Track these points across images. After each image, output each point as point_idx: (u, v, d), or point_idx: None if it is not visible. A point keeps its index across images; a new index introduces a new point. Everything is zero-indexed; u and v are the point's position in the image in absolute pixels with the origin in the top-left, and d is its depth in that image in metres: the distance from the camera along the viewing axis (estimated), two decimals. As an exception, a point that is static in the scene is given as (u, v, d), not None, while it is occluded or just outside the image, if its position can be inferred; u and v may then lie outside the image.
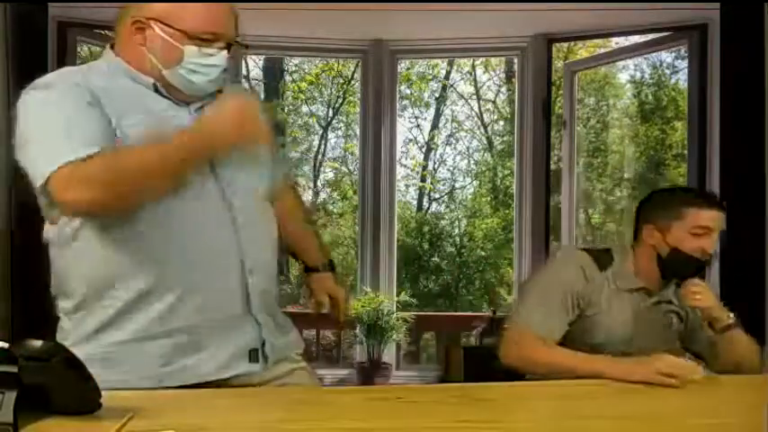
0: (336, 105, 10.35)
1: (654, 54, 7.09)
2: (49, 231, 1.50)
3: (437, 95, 10.71)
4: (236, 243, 1.49)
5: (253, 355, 1.53)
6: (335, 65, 9.86)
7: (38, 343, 1.09)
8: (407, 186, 10.51)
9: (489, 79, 10.83)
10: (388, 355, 4.69)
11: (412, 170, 10.67)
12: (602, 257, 2.01)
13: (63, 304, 1.50)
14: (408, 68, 9.80)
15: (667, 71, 8.83)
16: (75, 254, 1.46)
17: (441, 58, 9.40)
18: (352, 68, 9.22)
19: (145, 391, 1.41)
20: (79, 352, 1.41)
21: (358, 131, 5.30)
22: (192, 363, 1.47)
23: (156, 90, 1.51)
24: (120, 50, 1.54)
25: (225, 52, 1.51)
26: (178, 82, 1.50)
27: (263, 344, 1.54)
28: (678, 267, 1.95)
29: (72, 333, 1.47)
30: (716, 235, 1.92)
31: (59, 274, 1.51)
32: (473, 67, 10.60)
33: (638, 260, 2.00)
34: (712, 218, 1.92)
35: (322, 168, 10.36)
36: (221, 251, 1.48)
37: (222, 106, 1.42)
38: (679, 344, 2.08)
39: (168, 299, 1.44)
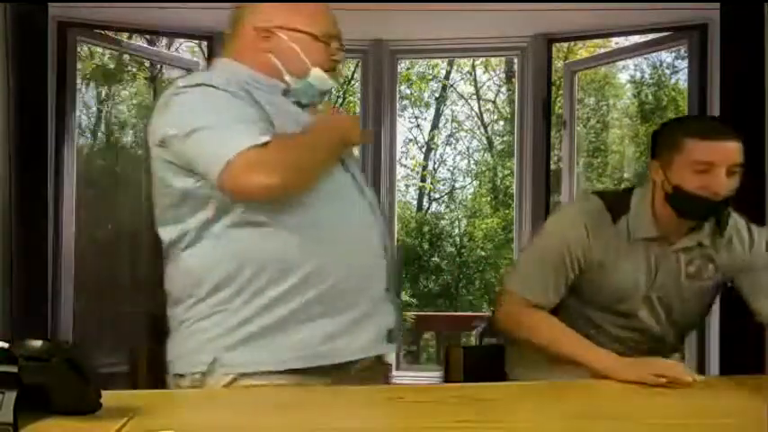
0: (336, 105, 10.35)
1: (654, 54, 7.11)
2: (177, 229, 1.51)
3: (437, 95, 10.74)
4: (380, 232, 1.61)
5: (390, 336, 1.60)
6: (335, 65, 9.85)
7: (38, 343, 1.08)
8: (407, 186, 10.53)
9: (489, 79, 10.85)
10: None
11: (412, 170, 10.69)
12: (620, 203, 1.82)
13: (222, 295, 1.49)
14: (408, 68, 9.82)
15: (667, 71, 8.86)
16: (238, 244, 1.48)
17: (441, 58, 9.42)
18: (352, 68, 9.22)
19: (145, 391, 1.41)
20: (234, 338, 1.48)
21: (358, 131, 5.29)
22: (344, 342, 1.52)
23: (284, 95, 1.61)
24: (239, 57, 1.62)
25: (343, 53, 1.64)
26: (303, 91, 1.62)
27: (396, 325, 1.62)
28: (687, 208, 1.74)
29: (227, 321, 1.48)
30: (722, 170, 1.68)
31: (203, 268, 1.50)
32: (473, 67, 10.62)
33: (656, 202, 1.79)
34: (714, 151, 1.68)
35: (322, 168, 10.35)
36: (373, 239, 1.59)
37: (333, 116, 1.68)
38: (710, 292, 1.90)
39: (330, 281, 1.49)
